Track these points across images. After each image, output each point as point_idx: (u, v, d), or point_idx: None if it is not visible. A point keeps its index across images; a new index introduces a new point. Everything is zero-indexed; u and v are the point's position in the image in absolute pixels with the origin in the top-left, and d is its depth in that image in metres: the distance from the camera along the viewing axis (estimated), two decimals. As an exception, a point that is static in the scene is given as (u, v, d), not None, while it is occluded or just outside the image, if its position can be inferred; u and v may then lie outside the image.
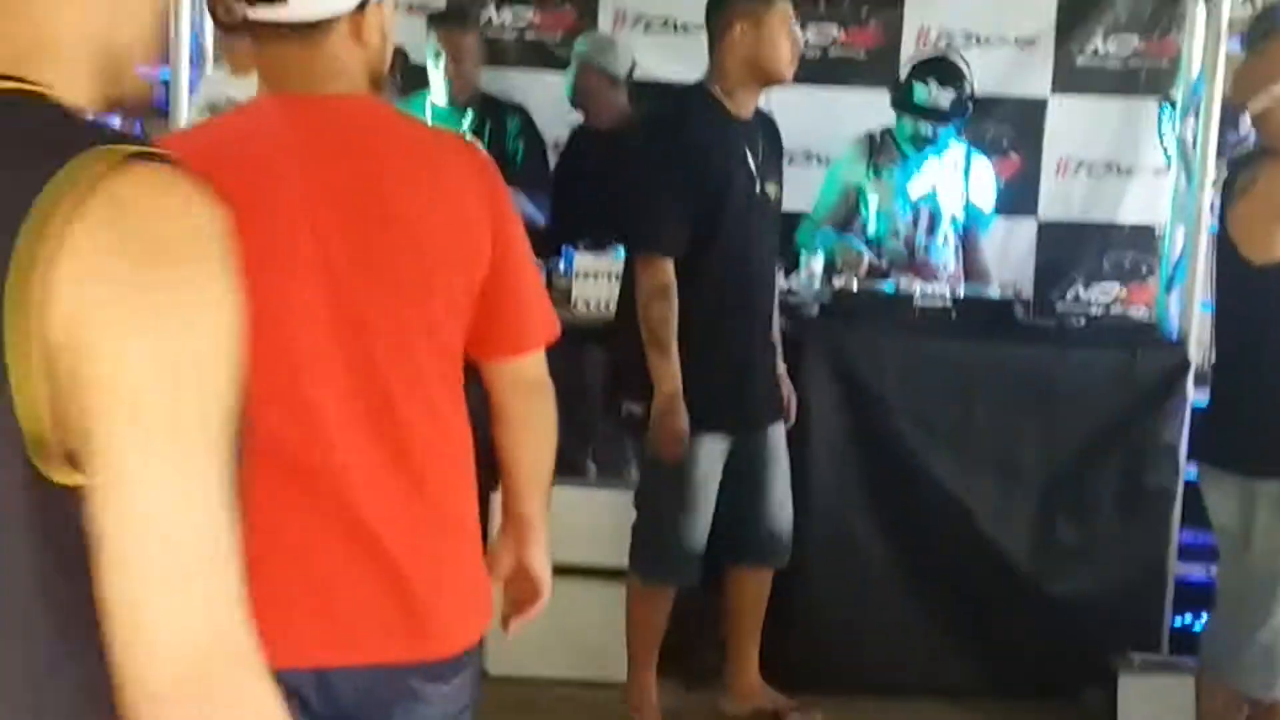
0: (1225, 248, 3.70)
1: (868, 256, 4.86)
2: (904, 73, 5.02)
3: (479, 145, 2.19)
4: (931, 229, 5.03)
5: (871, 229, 5.02)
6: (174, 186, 1.13)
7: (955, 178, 5.05)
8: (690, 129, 3.96)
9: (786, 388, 4.22)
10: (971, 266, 5.11)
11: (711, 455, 3.99)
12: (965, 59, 5.02)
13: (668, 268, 3.86)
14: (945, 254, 5.04)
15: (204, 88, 4.16)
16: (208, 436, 1.12)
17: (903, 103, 4.93)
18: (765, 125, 4.12)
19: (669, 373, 3.85)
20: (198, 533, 1.10)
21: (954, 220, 5.06)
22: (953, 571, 4.51)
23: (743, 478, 4.06)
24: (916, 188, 4.98)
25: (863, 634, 4.49)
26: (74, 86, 1.19)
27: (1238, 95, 3.79)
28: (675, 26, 5.48)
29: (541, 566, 2.30)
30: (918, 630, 4.50)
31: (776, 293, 4.22)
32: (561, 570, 3.99)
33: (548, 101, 5.29)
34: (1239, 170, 3.71)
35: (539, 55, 5.48)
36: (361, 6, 2.04)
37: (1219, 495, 3.73)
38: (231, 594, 1.11)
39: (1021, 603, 4.50)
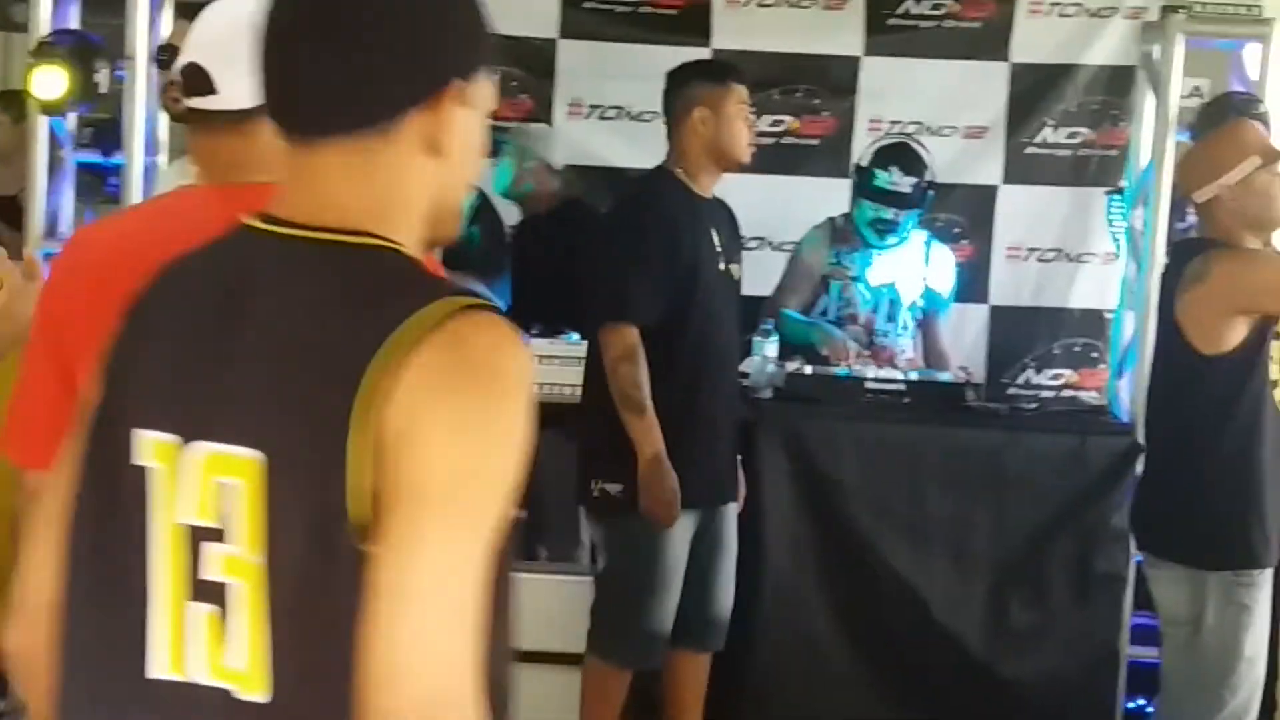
0: (1171, 335, 3.70)
1: (854, 347, 4.87)
2: (865, 158, 5.08)
3: None
4: (891, 315, 5.07)
5: (832, 314, 5.06)
6: (502, 330, 1.38)
7: (916, 265, 5.11)
8: (661, 206, 4.03)
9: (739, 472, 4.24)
10: (931, 352, 5.15)
11: (682, 536, 3.99)
12: (926, 147, 5.10)
13: (633, 333, 3.89)
14: (903, 340, 5.08)
15: (163, 181, 4.17)
16: (489, 529, 1.34)
17: (864, 187, 4.99)
18: (724, 209, 4.19)
19: (651, 435, 3.85)
20: (461, 606, 1.32)
21: (913, 306, 5.11)
22: (907, 655, 4.51)
23: (696, 559, 4.06)
24: (876, 274, 5.03)
25: (814, 718, 4.47)
26: (411, 237, 1.45)
27: (1184, 185, 3.85)
28: (630, 115, 5.55)
29: None
30: (873, 716, 4.49)
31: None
32: (518, 657, 4.06)
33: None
34: (1185, 257, 3.74)
35: (496, 143, 5.53)
36: None
37: (1167, 585, 3.73)
38: (468, 659, 1.31)
39: (976, 686, 4.50)
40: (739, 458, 4.23)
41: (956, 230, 5.65)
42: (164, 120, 4.58)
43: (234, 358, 1.39)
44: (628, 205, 4.20)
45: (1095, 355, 5.65)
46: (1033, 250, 5.68)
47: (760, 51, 5.40)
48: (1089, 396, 5.58)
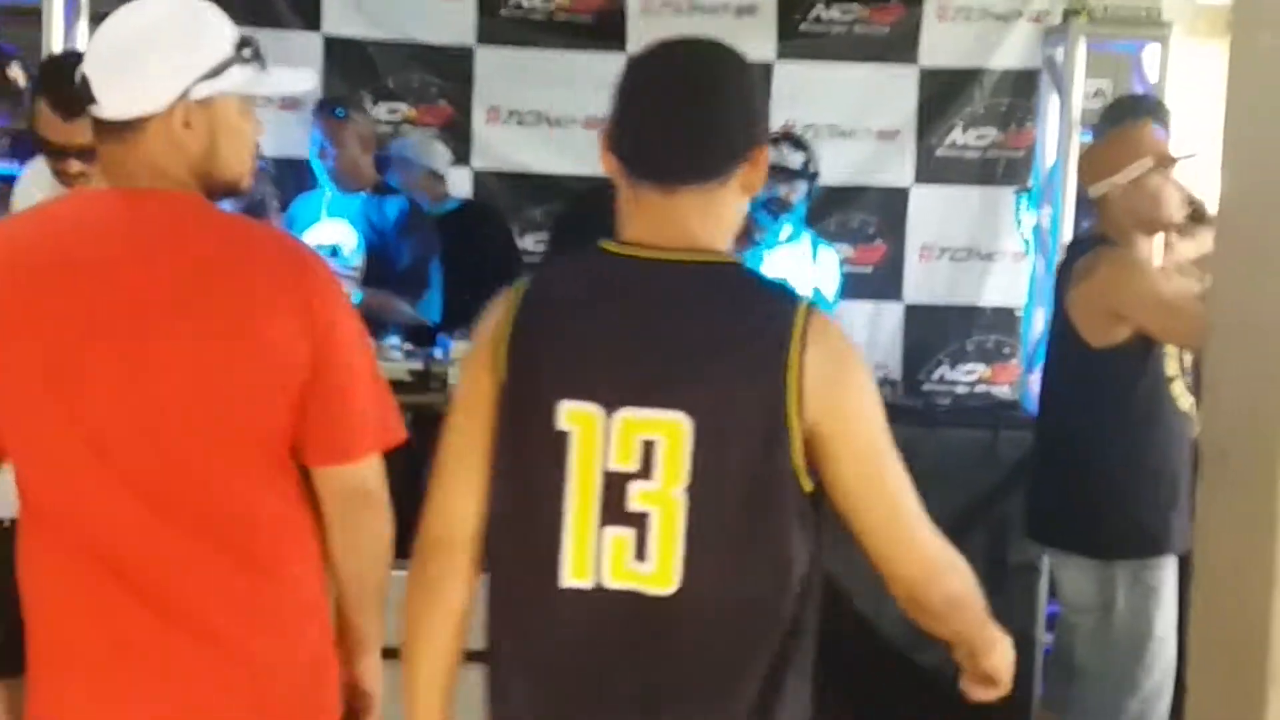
0: (1063, 329, 3.76)
1: None
2: None
3: (307, 250, 2.20)
4: None
5: None
6: (828, 318, 1.96)
7: (804, 265, 5.20)
8: (606, 218, 4.04)
9: None
10: None
11: None
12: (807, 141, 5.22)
13: None
14: None
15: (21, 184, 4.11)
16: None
17: None
18: None
19: None
20: (912, 499, 2.01)
21: None
22: (827, 645, 4.56)
23: None
24: (767, 273, 5.10)
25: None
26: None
27: (1082, 180, 3.95)
28: (548, 120, 5.60)
29: (376, 681, 2.25)
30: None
31: None
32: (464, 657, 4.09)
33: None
34: (1076, 253, 3.83)
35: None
36: (174, 107, 2.06)
37: (1073, 576, 3.79)
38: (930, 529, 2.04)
39: (894, 675, 4.59)
40: None
41: (870, 230, 5.76)
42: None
43: (646, 345, 1.92)
44: (573, 218, 4.28)
45: (1007, 351, 5.77)
46: (945, 249, 5.79)
47: (675, 56, 5.45)
48: (1001, 391, 5.69)
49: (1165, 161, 3.68)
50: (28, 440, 2.04)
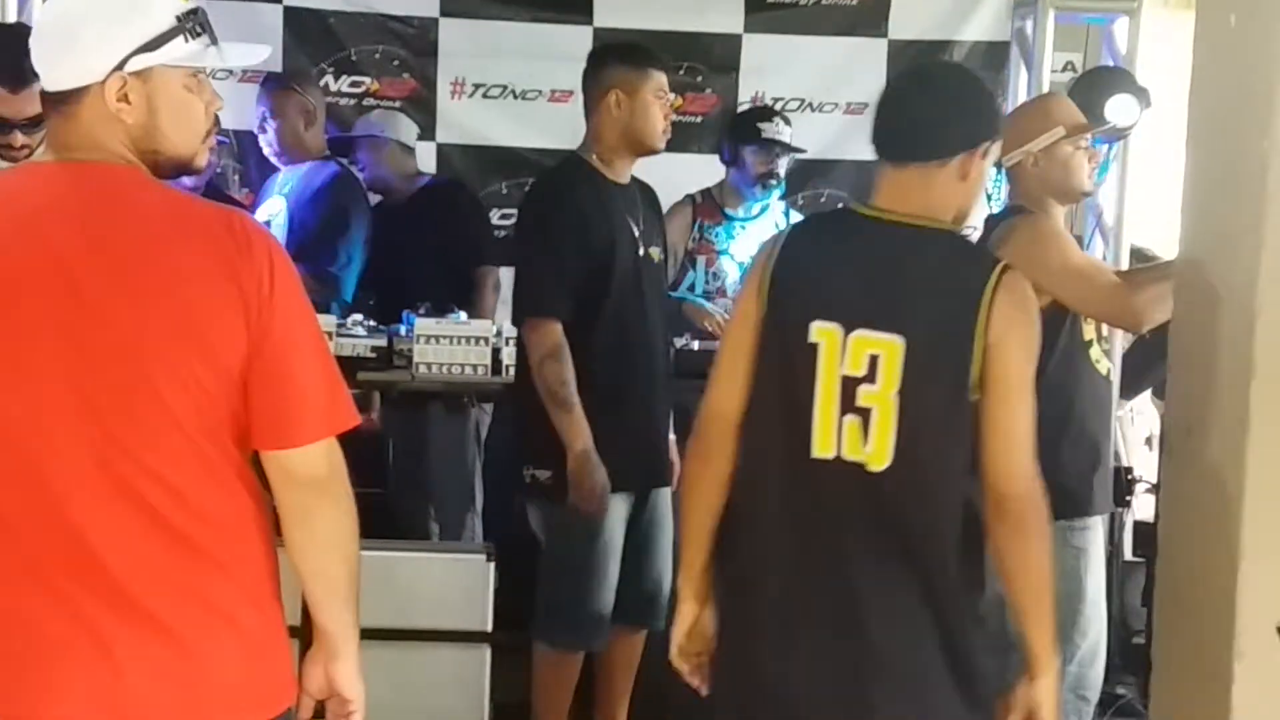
0: None
1: (718, 314, 4.93)
2: (732, 122, 5.21)
3: (252, 224, 2.13)
4: None
5: (699, 289, 5.10)
6: (1022, 279, 2.55)
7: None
8: (571, 196, 3.99)
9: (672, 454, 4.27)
10: None
11: (616, 516, 4.00)
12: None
13: (556, 329, 3.86)
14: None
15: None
16: None
17: (748, 142, 5.01)
18: (644, 191, 4.18)
19: (578, 430, 3.84)
20: (1028, 430, 2.51)
21: None
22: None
23: (631, 539, 4.08)
24: (740, 248, 5.08)
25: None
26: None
27: (1001, 151, 3.96)
28: (514, 94, 5.55)
29: (349, 684, 2.18)
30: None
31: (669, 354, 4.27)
32: (410, 635, 4.06)
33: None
34: (994, 224, 3.85)
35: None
36: (108, 79, 2.03)
37: None
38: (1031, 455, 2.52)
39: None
40: (673, 439, 4.25)
41: (840, 205, 5.72)
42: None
43: (875, 283, 2.54)
44: (537, 199, 4.15)
45: (976, 326, 5.75)
46: (914, 224, 5.77)
47: (643, 30, 5.40)
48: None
49: (1078, 131, 3.71)
50: None
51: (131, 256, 2.00)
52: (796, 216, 5.30)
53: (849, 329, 2.51)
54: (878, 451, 2.50)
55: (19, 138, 3.29)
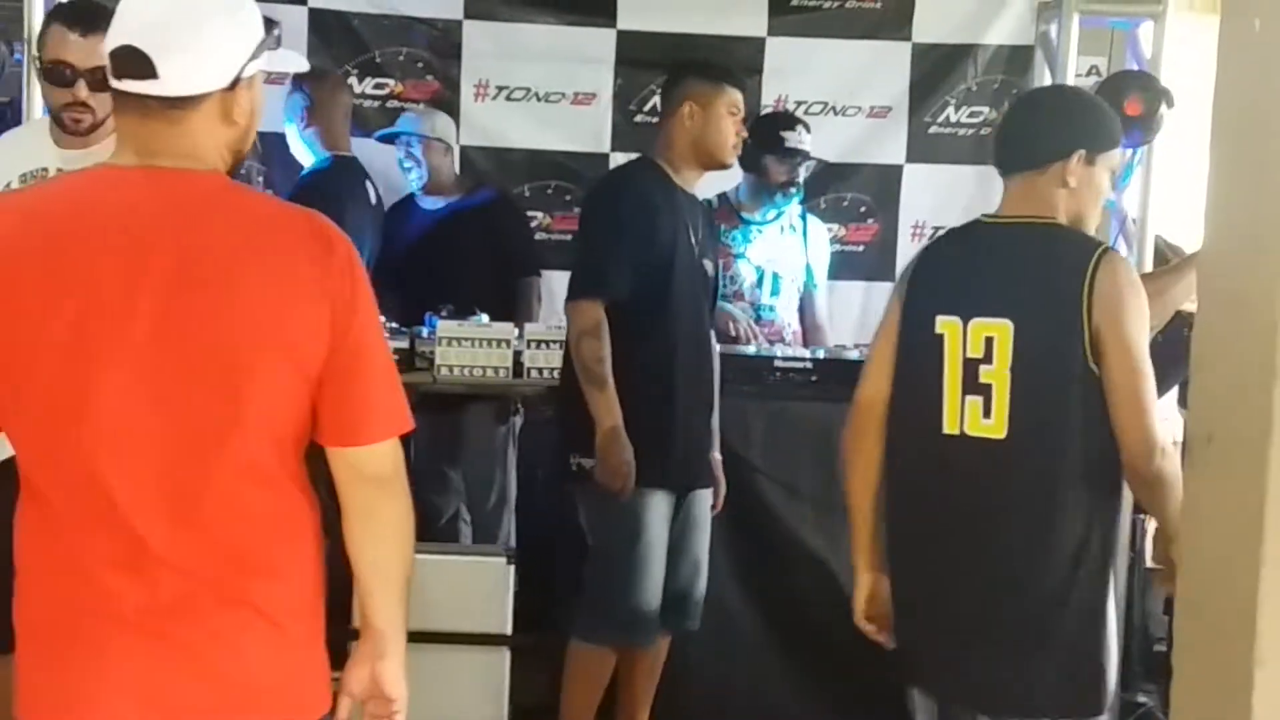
0: None
1: (743, 318, 4.94)
2: (754, 127, 5.14)
3: (331, 226, 2.14)
4: (774, 290, 5.13)
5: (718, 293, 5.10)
6: (1121, 259, 2.91)
7: (794, 239, 5.17)
8: (638, 189, 4.10)
9: (717, 473, 4.29)
10: (808, 328, 5.25)
11: (660, 512, 4.05)
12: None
13: (597, 309, 3.95)
14: (789, 315, 5.15)
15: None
16: None
17: (770, 150, 5.02)
18: (704, 206, 4.29)
19: (609, 407, 3.92)
20: (1149, 392, 2.81)
21: (793, 281, 5.18)
22: (817, 630, 4.56)
23: (669, 540, 4.10)
24: (757, 251, 5.08)
25: (727, 693, 4.52)
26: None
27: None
28: (537, 96, 5.55)
29: (394, 684, 2.20)
30: (783, 689, 4.55)
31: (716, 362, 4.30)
32: (430, 638, 4.06)
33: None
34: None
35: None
36: (233, 85, 2.05)
37: None
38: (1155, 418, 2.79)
39: (885, 658, 4.55)
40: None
41: (863, 209, 5.72)
42: (38, 100, 4.48)
43: (989, 277, 2.94)
44: (604, 187, 4.28)
45: (999, 331, 5.73)
46: (938, 228, 5.73)
47: (665, 33, 5.42)
48: (993, 372, 5.65)
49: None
50: (44, 413, 2.00)
51: (226, 263, 2.01)
52: (814, 220, 5.30)
53: (967, 319, 2.92)
54: (997, 423, 2.89)
55: (83, 90, 3.19)
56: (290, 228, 2.09)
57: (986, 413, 2.90)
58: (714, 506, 4.29)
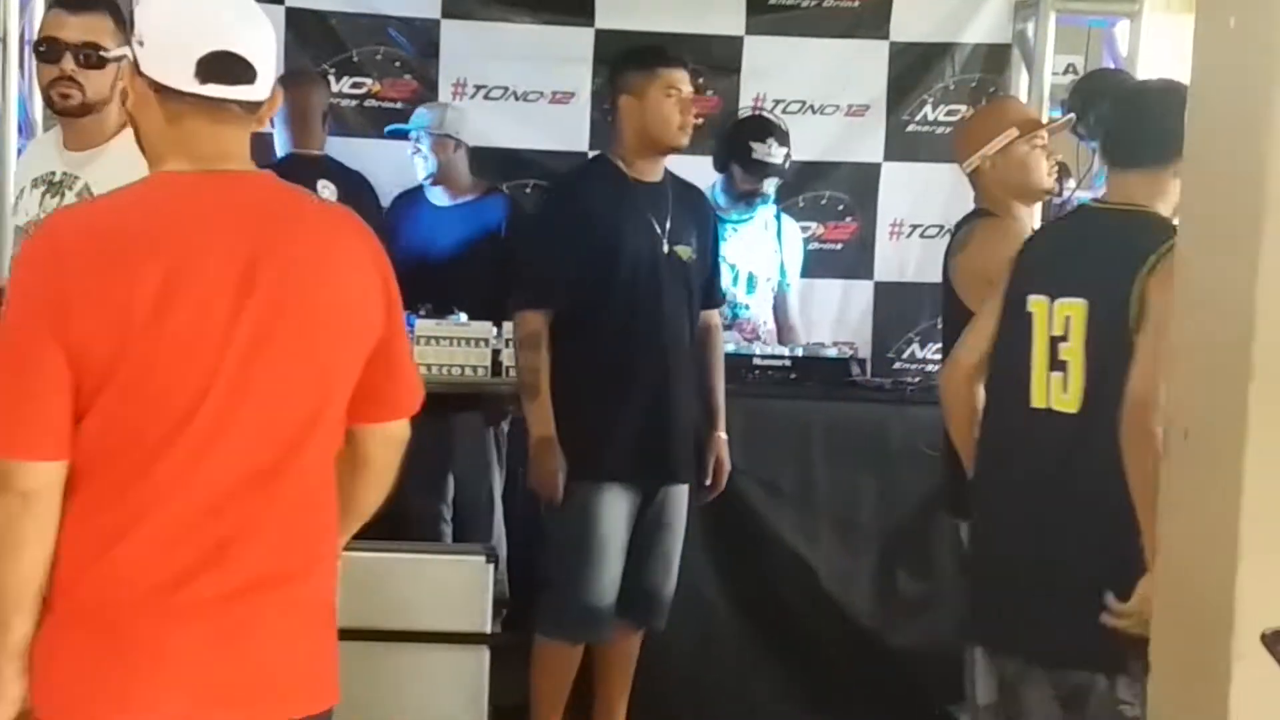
0: (949, 296, 3.90)
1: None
2: (728, 130, 5.16)
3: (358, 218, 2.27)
4: (749, 289, 5.14)
5: None
6: None
7: (769, 239, 5.18)
8: (576, 194, 4.14)
9: (719, 453, 4.28)
10: (781, 327, 5.26)
11: (615, 508, 4.05)
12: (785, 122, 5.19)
13: (535, 319, 4.01)
14: (764, 314, 5.16)
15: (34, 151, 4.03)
16: None
17: (737, 159, 5.02)
18: (682, 191, 4.24)
19: (539, 417, 4.02)
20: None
21: (768, 280, 5.18)
22: (796, 627, 4.58)
23: (635, 534, 4.12)
24: (732, 250, 5.09)
25: (707, 692, 4.52)
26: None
27: (956, 158, 4.01)
28: (515, 95, 5.55)
29: None
30: (762, 687, 4.55)
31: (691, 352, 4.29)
32: (409, 636, 4.06)
33: (391, 169, 5.31)
34: (961, 225, 3.90)
35: (380, 123, 5.50)
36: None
37: None
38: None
39: (864, 655, 4.58)
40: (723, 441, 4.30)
41: (840, 208, 5.73)
42: (38, 102, 4.47)
43: (1075, 259, 3.09)
44: (547, 194, 4.37)
45: (977, 329, 5.74)
46: (915, 226, 5.76)
47: (644, 31, 5.41)
48: (971, 370, 5.67)
49: (1030, 129, 3.76)
50: (149, 408, 2.01)
51: (307, 260, 2.09)
52: (788, 220, 5.32)
53: (1053, 298, 3.06)
54: (1072, 398, 3.03)
55: (69, 63, 3.18)
56: (345, 222, 2.21)
57: (1064, 388, 3.04)
58: (714, 487, 4.29)
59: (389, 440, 2.27)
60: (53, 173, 3.27)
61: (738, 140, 5.04)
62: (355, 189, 5.05)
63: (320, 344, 2.09)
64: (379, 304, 2.16)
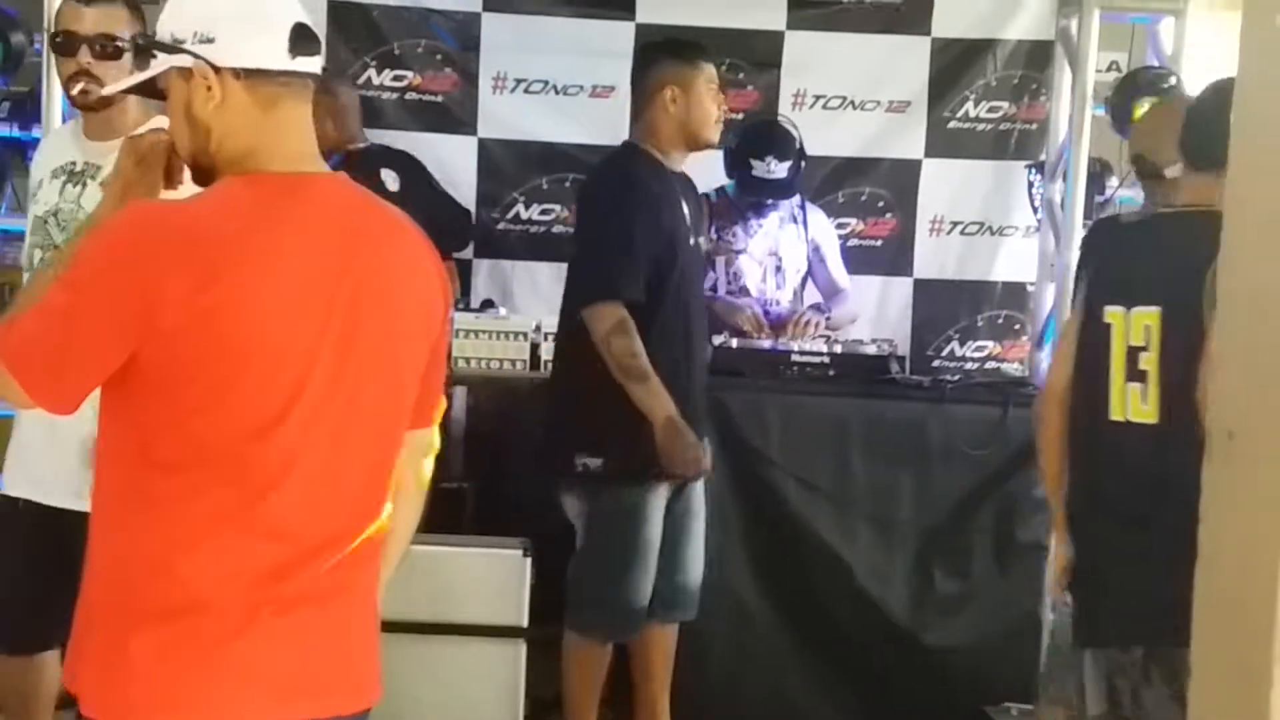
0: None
1: (748, 310, 4.93)
2: (733, 139, 5.01)
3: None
4: (779, 284, 5.12)
5: (722, 289, 5.09)
6: None
7: (794, 231, 5.16)
8: (639, 179, 4.07)
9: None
10: (824, 287, 5.21)
11: (658, 508, 4.05)
12: (794, 123, 5.13)
13: (619, 309, 3.92)
14: (796, 304, 5.13)
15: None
16: None
17: (739, 172, 5.00)
18: (689, 182, 4.24)
19: (660, 399, 3.90)
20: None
21: (797, 271, 5.16)
22: (832, 623, 4.56)
23: (666, 529, 4.10)
24: (759, 245, 5.07)
25: (743, 687, 4.52)
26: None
27: (1153, 158, 3.73)
28: (555, 89, 5.55)
29: None
30: (797, 683, 4.55)
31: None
32: (446, 630, 4.07)
33: (431, 161, 5.32)
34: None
35: (420, 116, 5.51)
36: None
37: None
38: None
39: (899, 654, 4.56)
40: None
41: (880, 204, 5.71)
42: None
43: (1148, 266, 3.08)
44: (607, 183, 4.17)
45: (1018, 327, 5.73)
46: (956, 223, 5.74)
47: (684, 26, 5.41)
48: (1012, 368, 5.65)
49: None
50: (247, 408, 1.99)
51: (380, 262, 2.07)
52: (813, 209, 5.26)
53: (1129, 308, 3.09)
54: (1151, 408, 3.06)
55: (85, 56, 3.18)
56: (408, 226, 2.17)
57: (1144, 398, 3.06)
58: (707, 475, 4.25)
59: (423, 448, 2.24)
60: (73, 163, 3.27)
61: (741, 152, 5.00)
62: (412, 169, 5.11)
63: (398, 350, 2.09)
64: (440, 308, 2.16)
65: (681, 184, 4.15)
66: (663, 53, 4.21)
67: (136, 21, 3.24)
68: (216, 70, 2.03)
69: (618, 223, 3.99)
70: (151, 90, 2.13)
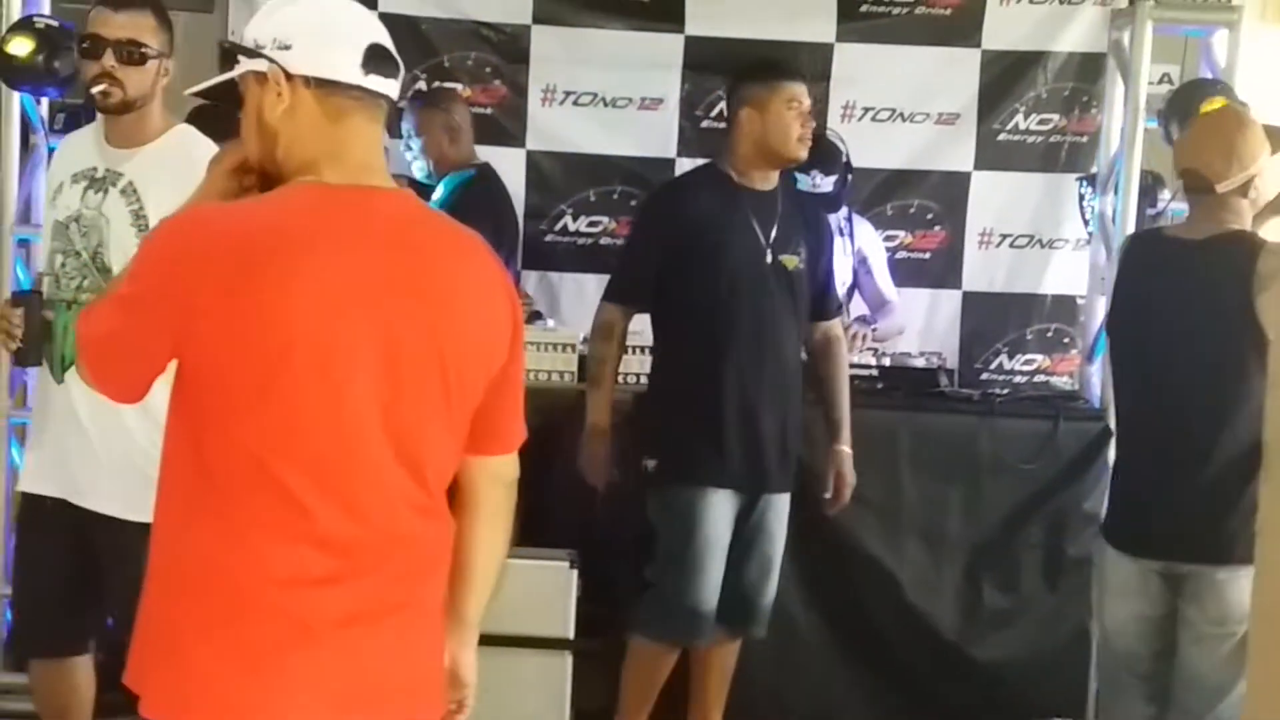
0: (1241, 332, 3.44)
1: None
2: None
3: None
4: None
5: None
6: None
7: (841, 244, 5.13)
8: (681, 197, 4.19)
9: (840, 467, 4.27)
10: (870, 300, 5.26)
11: (717, 512, 4.07)
12: (841, 136, 5.13)
13: (614, 312, 4.14)
14: (844, 318, 5.11)
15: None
16: None
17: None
18: (797, 201, 4.30)
19: (597, 406, 4.16)
20: None
21: (843, 283, 5.14)
22: (880, 638, 4.54)
23: (735, 542, 4.13)
24: None
25: (791, 702, 4.50)
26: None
27: (1213, 172, 3.61)
28: (604, 101, 5.55)
29: (470, 671, 2.30)
30: (846, 697, 4.53)
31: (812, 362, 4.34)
32: (493, 641, 4.06)
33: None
34: (1230, 252, 3.53)
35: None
36: None
37: (1243, 586, 3.36)
38: None
39: (948, 669, 4.54)
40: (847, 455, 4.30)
41: (929, 216, 5.69)
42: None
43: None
44: (649, 196, 4.46)
45: (1067, 341, 5.69)
46: (1005, 236, 5.71)
47: (733, 39, 5.41)
48: (1061, 381, 5.61)
49: None
50: (289, 414, 1.99)
51: (437, 279, 2.06)
52: (860, 220, 5.25)
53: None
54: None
55: (109, 59, 3.21)
56: (477, 246, 2.16)
57: None
58: (835, 500, 4.27)
59: (498, 477, 2.23)
60: (94, 168, 3.29)
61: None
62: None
63: (449, 368, 2.05)
64: (506, 330, 2.13)
65: (763, 202, 4.16)
66: (743, 75, 4.28)
67: (163, 30, 3.28)
68: (289, 76, 2.05)
69: (633, 233, 4.33)
70: (229, 95, 2.14)
